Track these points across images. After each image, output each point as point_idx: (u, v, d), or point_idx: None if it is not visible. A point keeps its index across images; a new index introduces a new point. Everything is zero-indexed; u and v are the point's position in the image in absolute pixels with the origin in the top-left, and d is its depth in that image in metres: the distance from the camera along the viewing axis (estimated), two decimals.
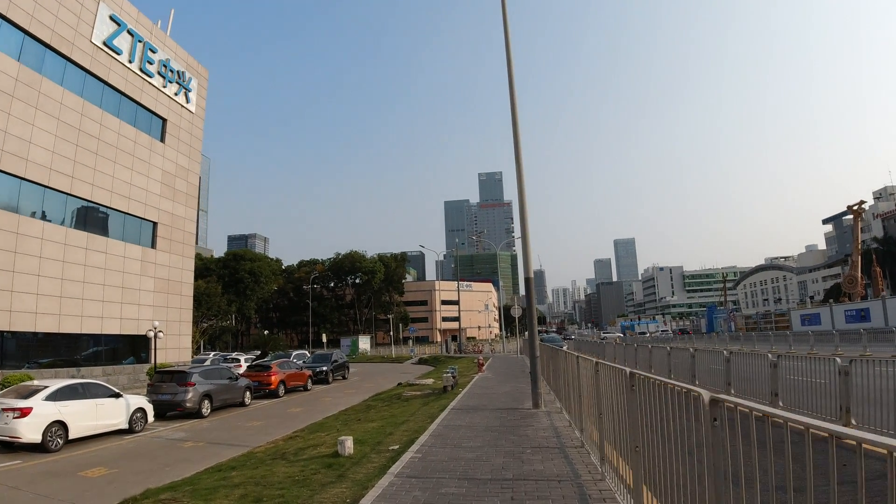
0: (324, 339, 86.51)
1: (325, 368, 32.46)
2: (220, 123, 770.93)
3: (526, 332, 59.33)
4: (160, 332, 28.58)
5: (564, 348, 13.14)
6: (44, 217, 26.64)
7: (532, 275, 12.90)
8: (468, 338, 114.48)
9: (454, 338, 73.32)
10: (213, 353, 51.59)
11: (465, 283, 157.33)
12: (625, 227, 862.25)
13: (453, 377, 19.23)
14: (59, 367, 26.87)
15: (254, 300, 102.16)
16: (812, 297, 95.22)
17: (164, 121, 35.37)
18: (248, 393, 23.58)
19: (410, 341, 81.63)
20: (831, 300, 70.11)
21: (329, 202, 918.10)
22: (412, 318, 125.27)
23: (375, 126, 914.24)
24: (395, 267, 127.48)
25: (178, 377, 20.56)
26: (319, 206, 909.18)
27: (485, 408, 13.51)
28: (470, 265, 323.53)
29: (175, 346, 33.97)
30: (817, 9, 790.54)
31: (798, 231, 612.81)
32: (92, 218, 29.76)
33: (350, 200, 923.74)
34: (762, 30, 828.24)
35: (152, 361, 31.52)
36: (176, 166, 35.59)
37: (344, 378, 35.41)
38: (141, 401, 18.47)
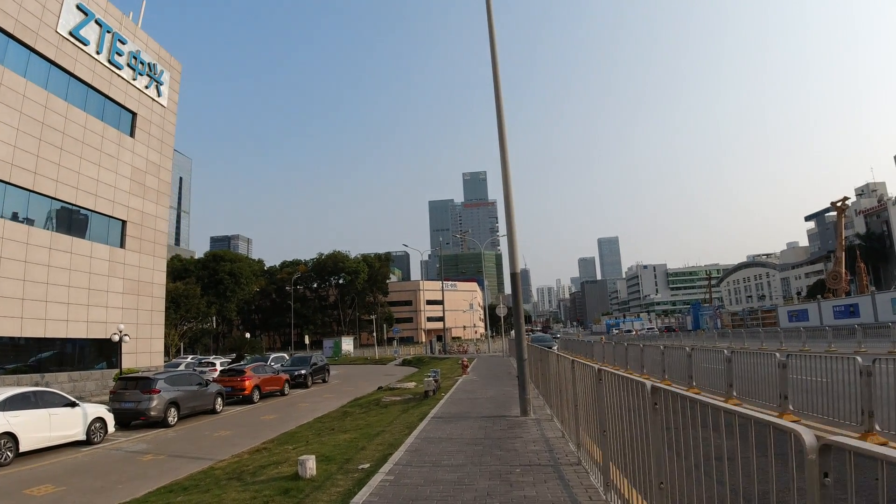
0: (306, 340, 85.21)
1: (303, 372, 31.19)
2: (201, 123, 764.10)
3: (512, 332, 58.23)
4: (126, 335, 27.12)
5: (555, 348, 12.05)
6: (3, 215, 25.11)
7: (518, 270, 11.83)
8: (453, 338, 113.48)
9: (439, 338, 72.17)
10: (190, 356, 49.90)
11: (450, 282, 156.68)
12: (609, 226, 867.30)
13: (435, 381, 18.12)
14: (23, 374, 25.37)
15: (234, 301, 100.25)
16: (799, 294, 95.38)
17: (134, 115, 33.90)
18: (219, 399, 22.31)
19: (395, 342, 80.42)
20: (819, 296, 69.99)
21: (313, 204, 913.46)
22: (397, 319, 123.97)
23: (359, 127, 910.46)
24: (379, 267, 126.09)
25: (142, 384, 19.25)
26: (303, 208, 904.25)
27: (468, 416, 12.39)
28: (455, 265, 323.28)
29: (146, 349, 32.51)
30: (809, 8, 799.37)
31: (779, 229, 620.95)
32: (56, 216, 28.25)
33: (334, 201, 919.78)
34: (753, 29, 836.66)
35: (122, 366, 30.16)
36: (146, 162, 34.11)
37: (324, 381, 34.17)
38: (100, 410, 17.20)
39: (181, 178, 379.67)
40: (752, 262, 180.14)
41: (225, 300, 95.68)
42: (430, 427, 11.02)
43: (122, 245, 31.75)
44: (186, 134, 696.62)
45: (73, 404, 16.22)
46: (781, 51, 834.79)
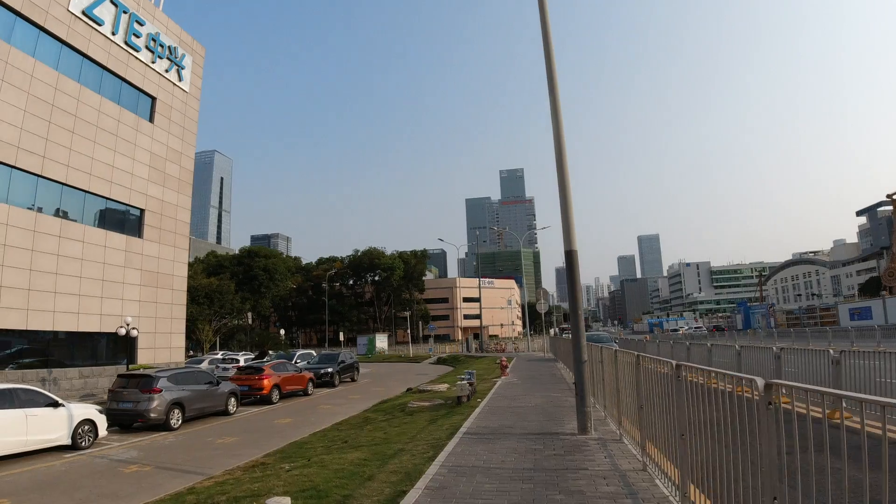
0: (341, 337, 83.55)
1: (330, 370, 29.02)
2: (244, 125, 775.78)
3: (552, 330, 55.03)
4: (134, 328, 25.26)
5: (614, 348, 9.27)
6: (7, 201, 23.49)
7: (575, 248, 9.21)
8: (490, 336, 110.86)
9: (476, 336, 69.59)
10: (220, 352, 48.29)
11: (487, 279, 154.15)
12: (649, 223, 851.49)
13: (470, 385, 15.50)
14: (28, 369, 23.73)
15: (269, 298, 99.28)
16: (860, 290, 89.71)
17: (154, 99, 32.18)
18: (232, 400, 20.21)
19: (431, 339, 78.23)
20: (884, 292, 65.21)
21: (351, 202, 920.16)
22: (433, 316, 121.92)
23: (396, 124, 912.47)
24: (415, 264, 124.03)
25: (142, 382, 17.21)
26: (342, 207, 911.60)
27: (511, 432, 9.74)
28: (492, 263, 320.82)
29: (165, 345, 30.77)
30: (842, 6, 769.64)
31: (825, 225, 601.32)
32: (67, 203, 26.59)
33: (372, 200, 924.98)
34: (790, 23, 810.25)
35: (137, 362, 28.46)
36: (167, 149, 32.38)
37: (352, 380, 31.96)
38: (89, 411, 15.17)
39: (222, 178, 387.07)
40: (801, 260, 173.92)
41: (259, 296, 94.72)
42: (461, 449, 8.41)
43: (140, 235, 30.03)
44: (227, 134, 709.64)
45: (56, 404, 14.22)
46: (814, 47, 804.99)
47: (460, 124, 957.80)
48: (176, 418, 17.28)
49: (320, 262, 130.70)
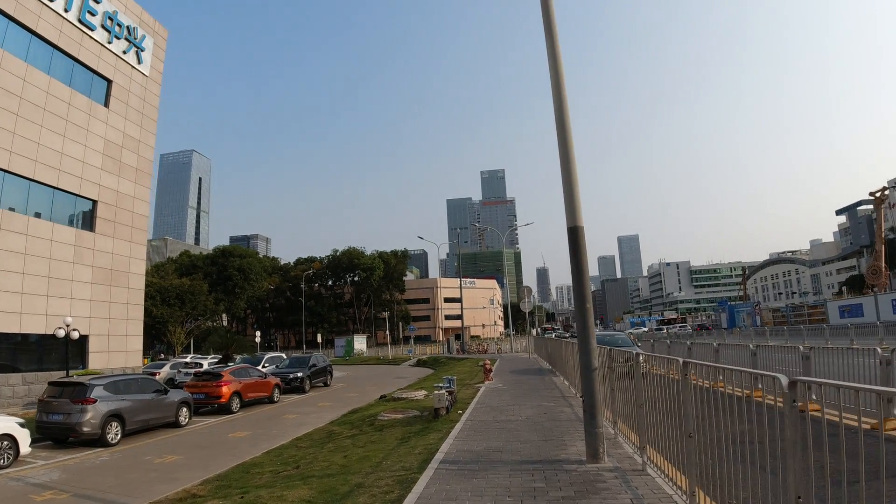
0: (319, 339, 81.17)
1: (299, 375, 26.78)
2: (224, 125, 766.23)
3: (535, 330, 52.88)
4: (75, 329, 22.82)
5: (635, 352, 7.16)
6: None
7: (581, 224, 7.25)
8: (472, 336, 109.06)
9: (458, 336, 67.67)
10: (190, 355, 45.66)
11: (469, 279, 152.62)
12: (628, 223, 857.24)
13: (449, 393, 13.71)
14: None
15: (244, 299, 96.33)
16: (843, 288, 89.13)
17: (109, 82, 29.80)
18: (184, 410, 18.02)
19: (411, 340, 76.16)
20: (874, 288, 64.63)
21: (332, 204, 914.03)
22: (414, 317, 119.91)
23: (377, 126, 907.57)
24: (395, 264, 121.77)
25: (75, 391, 14.97)
26: (322, 209, 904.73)
27: (500, 459, 7.68)
28: (473, 263, 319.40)
29: (120, 348, 28.37)
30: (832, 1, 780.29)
31: (801, 226, 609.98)
32: (9, 192, 24.12)
33: (353, 201, 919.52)
34: (774, 24, 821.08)
35: (88, 367, 26.13)
36: (123, 136, 29.99)
37: (325, 385, 29.77)
38: (8, 424, 12.95)
39: (200, 179, 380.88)
40: (780, 259, 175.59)
41: (234, 297, 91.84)
42: (436, 489, 6.21)
43: (91, 228, 27.64)
44: (207, 134, 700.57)
45: None
46: (800, 47, 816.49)
47: (443, 125, 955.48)
48: (114, 433, 15.07)
49: (298, 262, 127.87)
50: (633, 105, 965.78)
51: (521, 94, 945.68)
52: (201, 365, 30.69)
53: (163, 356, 67.29)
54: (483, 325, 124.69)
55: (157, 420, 17.02)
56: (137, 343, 29.69)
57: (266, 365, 29.15)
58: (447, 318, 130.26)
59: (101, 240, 27.85)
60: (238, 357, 31.65)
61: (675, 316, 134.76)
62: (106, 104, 29.47)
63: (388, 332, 77.99)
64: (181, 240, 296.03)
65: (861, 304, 52.94)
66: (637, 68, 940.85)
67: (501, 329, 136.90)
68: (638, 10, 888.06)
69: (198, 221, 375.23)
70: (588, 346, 7.21)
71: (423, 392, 16.98)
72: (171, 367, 31.77)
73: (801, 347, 11.87)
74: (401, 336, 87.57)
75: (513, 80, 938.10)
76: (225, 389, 20.37)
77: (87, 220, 27.66)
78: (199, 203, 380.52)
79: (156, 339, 78.34)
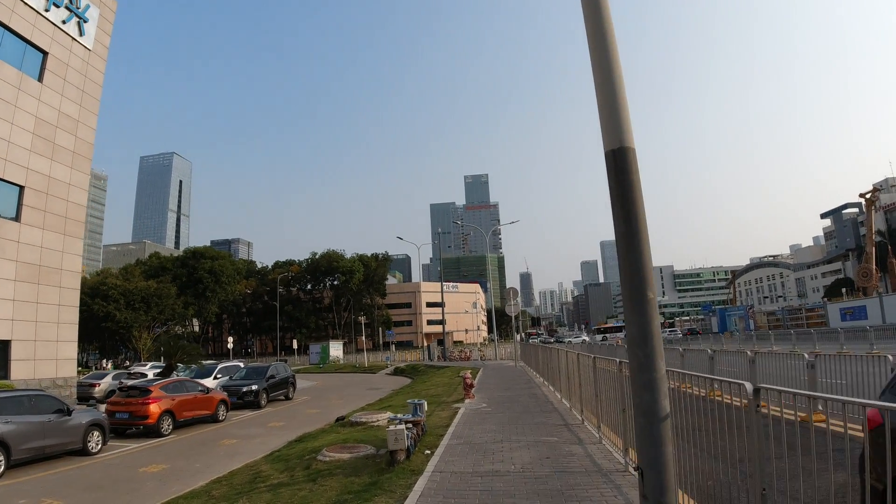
0: (294, 345, 77.37)
1: (254, 388, 23.16)
2: (205, 127, 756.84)
3: (518, 335, 49.48)
4: None
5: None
6: None
7: (631, 144, 4.09)
8: (455, 342, 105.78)
9: (440, 342, 64.37)
10: (149, 364, 41.39)
11: (452, 284, 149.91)
12: (611, 228, 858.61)
13: (412, 426, 9.92)
14: None
15: (215, 303, 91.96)
16: (845, 291, 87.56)
17: (45, 54, 26.19)
18: (95, 433, 14.54)
19: (392, 346, 72.74)
20: (879, 289, 62.64)
21: (314, 208, 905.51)
22: (396, 322, 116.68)
23: (361, 130, 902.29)
24: (376, 267, 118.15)
25: None
26: (305, 213, 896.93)
27: None
28: (457, 268, 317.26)
29: (50, 356, 24.62)
30: (804, 6, 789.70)
31: (781, 231, 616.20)
32: None
33: (336, 206, 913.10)
34: (748, 29, 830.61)
35: (10, 378, 22.44)
36: (59, 115, 26.36)
37: (286, 399, 26.20)
38: None
39: (181, 182, 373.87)
40: (765, 263, 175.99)
41: (204, 301, 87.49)
42: None
43: (16, 217, 23.95)
44: (189, 137, 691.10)
45: None
46: (774, 56, 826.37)
47: (426, 130, 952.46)
48: None
49: (277, 265, 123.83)
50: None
51: (502, 100, 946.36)
52: (145, 375, 27.06)
53: (127, 363, 63.29)
54: (466, 331, 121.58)
55: (57, 447, 13.53)
56: (71, 350, 25.93)
57: (219, 376, 25.62)
58: (429, 323, 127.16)
59: (27, 231, 24.17)
60: (180, 367, 27.89)
61: (661, 321, 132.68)
62: (39, 78, 25.85)
63: (363, 337, 74.52)
64: (161, 243, 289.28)
65: (864, 307, 50.40)
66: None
67: (485, 334, 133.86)
68: (615, 22, 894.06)
69: (178, 225, 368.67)
70: (650, 371, 3.90)
71: (387, 415, 13.50)
72: (114, 378, 28.08)
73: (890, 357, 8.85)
74: (381, 341, 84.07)
75: (495, 83, 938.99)
76: (153, 408, 16.87)
77: (11, 208, 23.97)
78: (179, 206, 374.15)
79: (121, 344, 74.21)
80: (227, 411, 20.12)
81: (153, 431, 16.79)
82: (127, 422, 16.84)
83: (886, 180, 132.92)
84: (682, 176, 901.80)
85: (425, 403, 11.36)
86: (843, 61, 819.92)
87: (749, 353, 14.27)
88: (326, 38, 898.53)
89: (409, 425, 9.21)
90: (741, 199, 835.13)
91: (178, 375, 24.18)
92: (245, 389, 22.91)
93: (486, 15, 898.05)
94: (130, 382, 21.31)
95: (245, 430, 17.72)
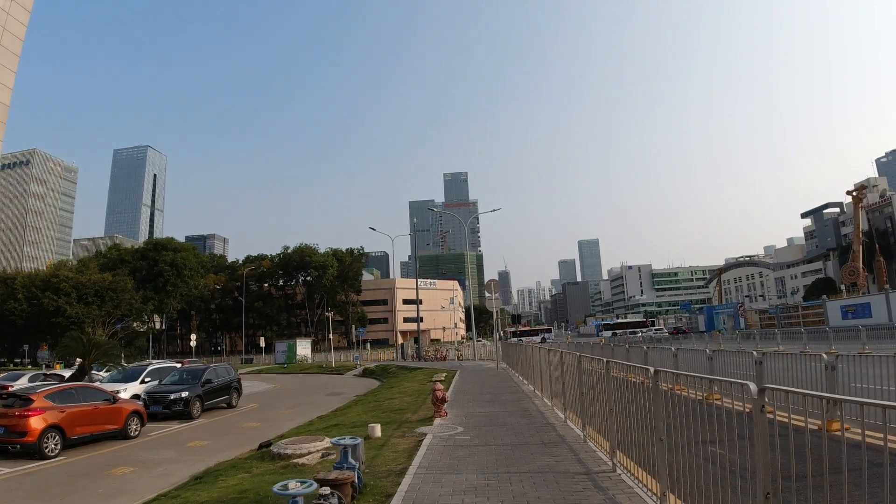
0: (262, 343, 73.38)
1: (183, 395, 19.30)
2: (180, 119, 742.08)
3: (497, 333, 46.32)
4: None
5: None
6: None
7: None
8: (432, 340, 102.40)
9: (416, 340, 60.87)
10: (91, 368, 36.90)
11: (429, 280, 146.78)
12: (588, 228, 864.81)
13: (330, 497, 5.30)
14: None
15: (177, 298, 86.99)
16: (841, 290, 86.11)
17: None
18: None
19: (368, 344, 68.93)
20: (887, 287, 60.61)
21: (293, 205, 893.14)
22: (371, 319, 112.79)
23: (341, 126, 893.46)
24: (351, 262, 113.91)
25: None
26: (283, 210, 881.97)
27: None
28: (435, 265, 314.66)
29: None
30: (788, 8, 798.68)
31: (758, 231, 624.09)
32: None
33: (314, 203, 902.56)
34: (731, 29, 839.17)
35: None
36: None
37: (228, 406, 22.35)
38: None
39: (155, 175, 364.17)
40: (745, 262, 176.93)
41: (165, 295, 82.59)
42: None
43: None
44: (163, 130, 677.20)
45: None
46: (755, 54, 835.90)
47: (405, 127, 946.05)
48: None
49: (248, 260, 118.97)
50: (593, 110, 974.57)
51: (483, 97, 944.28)
52: (64, 377, 23.05)
53: (79, 362, 58.71)
54: (444, 328, 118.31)
55: None
56: None
57: (147, 380, 21.72)
58: (406, 320, 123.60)
59: None
60: (97, 367, 23.96)
61: (642, 318, 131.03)
62: None
63: (335, 335, 70.57)
64: (134, 238, 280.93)
65: (868, 304, 47.75)
66: (593, 77, 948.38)
67: (463, 332, 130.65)
68: (592, 21, 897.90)
69: (152, 220, 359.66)
70: None
71: (327, 442, 9.66)
72: (30, 380, 24.01)
73: None
74: (355, 340, 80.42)
75: (476, 81, 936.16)
76: (34, 422, 13.03)
77: None
78: (153, 201, 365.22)
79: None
80: (141, 425, 16.23)
81: (34, 452, 12.97)
82: (2, 439, 13.01)
83: (868, 180, 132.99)
84: (663, 176, 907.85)
85: (361, 444, 6.82)
86: (825, 62, 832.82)
87: (755, 353, 12.96)
88: (307, 33, 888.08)
89: (328, 490, 5.26)
90: (720, 201, 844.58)
91: (96, 379, 20.25)
92: (173, 397, 19.04)
93: (468, 14, 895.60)
94: (13, 388, 17.36)
95: (154, 452, 13.92)
